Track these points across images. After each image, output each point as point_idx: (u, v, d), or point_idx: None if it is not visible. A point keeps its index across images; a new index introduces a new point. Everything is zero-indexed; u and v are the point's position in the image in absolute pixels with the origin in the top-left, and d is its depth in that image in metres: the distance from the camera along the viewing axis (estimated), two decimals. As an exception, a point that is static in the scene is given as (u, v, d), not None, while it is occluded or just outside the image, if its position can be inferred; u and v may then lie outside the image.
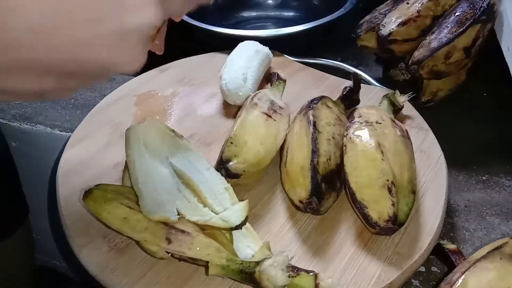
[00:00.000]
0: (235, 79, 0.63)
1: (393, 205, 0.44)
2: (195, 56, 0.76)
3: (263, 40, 0.71)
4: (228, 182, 0.48)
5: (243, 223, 0.42)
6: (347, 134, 0.50)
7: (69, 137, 0.60)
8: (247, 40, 0.72)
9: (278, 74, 0.63)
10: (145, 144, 0.49)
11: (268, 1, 0.99)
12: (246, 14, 0.97)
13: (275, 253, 0.41)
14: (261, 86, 0.67)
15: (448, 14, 0.63)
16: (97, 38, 0.25)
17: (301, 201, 0.47)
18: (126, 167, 0.49)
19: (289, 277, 0.39)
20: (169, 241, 0.41)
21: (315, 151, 0.48)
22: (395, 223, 0.44)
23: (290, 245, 0.46)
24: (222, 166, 0.49)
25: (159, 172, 0.47)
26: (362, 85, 0.63)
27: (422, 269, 0.47)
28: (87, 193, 0.44)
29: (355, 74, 0.63)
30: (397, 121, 0.52)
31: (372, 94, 0.66)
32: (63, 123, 0.72)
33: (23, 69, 0.25)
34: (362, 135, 0.48)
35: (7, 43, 0.23)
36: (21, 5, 0.23)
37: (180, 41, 0.72)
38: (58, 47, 0.24)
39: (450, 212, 0.53)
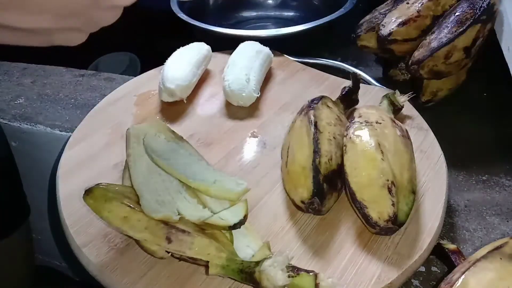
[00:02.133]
0: (238, 79, 0.63)
1: (393, 205, 0.44)
2: (195, 56, 0.76)
3: (263, 40, 0.71)
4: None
5: (241, 222, 0.42)
6: (347, 134, 0.50)
7: (69, 137, 0.60)
8: (247, 40, 0.72)
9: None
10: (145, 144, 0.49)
11: (268, 1, 0.99)
12: (246, 14, 0.98)
13: (275, 253, 0.41)
14: (262, 87, 0.67)
15: (448, 14, 0.63)
16: None
17: (302, 201, 0.47)
18: (126, 167, 0.49)
19: (289, 277, 0.39)
20: (169, 240, 0.41)
21: (316, 151, 0.48)
22: (395, 223, 0.44)
23: (290, 245, 0.46)
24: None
25: (159, 172, 0.47)
26: (362, 85, 0.63)
27: (422, 269, 0.47)
28: (88, 192, 0.44)
29: (354, 74, 0.63)
30: (397, 121, 0.52)
31: (372, 94, 0.66)
32: (63, 123, 0.72)
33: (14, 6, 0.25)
34: (362, 135, 0.48)
35: None
36: None
37: (180, 41, 0.72)
38: None
39: (450, 212, 0.53)
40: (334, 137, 0.50)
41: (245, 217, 0.43)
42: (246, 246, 0.44)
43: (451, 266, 0.44)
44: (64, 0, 0.27)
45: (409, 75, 0.69)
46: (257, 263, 0.40)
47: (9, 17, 0.27)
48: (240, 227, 0.42)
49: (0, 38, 0.29)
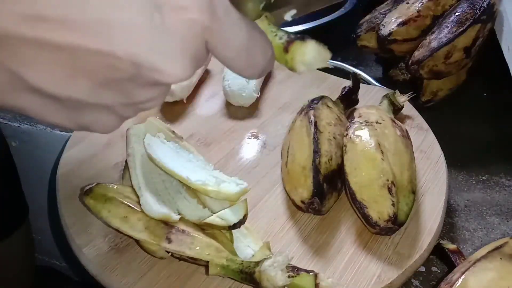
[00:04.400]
0: (238, 79, 0.63)
1: (393, 205, 0.44)
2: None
3: (263, 40, 0.71)
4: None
5: (241, 222, 0.42)
6: (347, 134, 0.50)
7: (69, 137, 0.60)
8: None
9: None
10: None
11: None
12: (246, 14, 0.97)
13: (275, 253, 0.41)
14: (262, 87, 0.67)
15: (448, 14, 0.63)
16: (125, 22, 0.21)
17: (303, 201, 0.47)
18: (126, 167, 0.49)
19: (289, 277, 0.39)
20: (169, 240, 0.41)
21: (316, 151, 0.48)
22: (395, 223, 0.44)
23: (290, 245, 0.46)
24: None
25: (159, 172, 0.47)
26: (362, 85, 0.63)
27: (422, 269, 0.47)
28: (88, 192, 0.44)
29: (354, 74, 0.63)
30: (397, 121, 0.52)
31: (372, 94, 0.66)
32: (63, 123, 0.72)
33: (50, 58, 0.21)
34: (362, 135, 0.48)
35: (34, 17, 0.20)
36: None
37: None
38: (90, 31, 0.20)
39: (450, 212, 0.53)
40: (334, 137, 0.50)
41: (245, 217, 0.43)
42: (246, 246, 0.44)
43: (451, 266, 0.44)
44: (104, 59, 0.21)
45: (409, 75, 0.69)
46: (257, 263, 0.40)
47: (36, 70, 0.21)
48: (240, 227, 0.42)
49: (22, 103, 0.23)
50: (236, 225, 0.42)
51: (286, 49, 0.27)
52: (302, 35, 0.27)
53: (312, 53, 0.27)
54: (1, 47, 0.20)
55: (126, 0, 0.21)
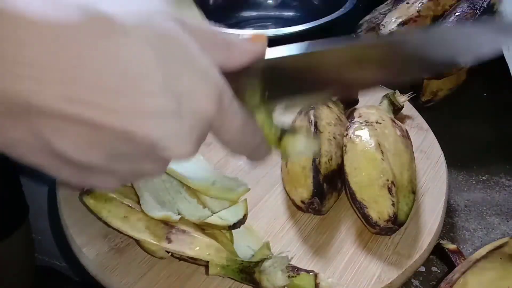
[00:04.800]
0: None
1: (393, 205, 0.44)
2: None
3: (263, 40, 0.71)
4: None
5: (241, 222, 0.42)
6: (347, 134, 0.50)
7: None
8: (247, 40, 0.72)
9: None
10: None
11: (268, 1, 0.99)
12: (246, 14, 0.97)
13: (275, 253, 0.41)
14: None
15: (448, 14, 0.63)
16: (154, 108, 0.24)
17: (303, 201, 0.47)
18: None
19: (289, 277, 0.39)
20: (169, 240, 0.41)
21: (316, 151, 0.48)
22: (395, 223, 0.44)
23: (290, 245, 0.46)
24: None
25: (159, 172, 0.47)
26: (362, 85, 0.63)
27: (422, 269, 0.47)
28: (88, 192, 0.44)
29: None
30: (397, 121, 0.52)
31: (372, 94, 0.66)
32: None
33: (75, 130, 0.23)
34: (362, 135, 0.48)
35: (75, 98, 0.22)
36: (89, 60, 0.22)
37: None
38: (118, 110, 0.23)
39: (450, 212, 0.53)
40: (334, 137, 0.50)
41: (245, 216, 0.43)
42: (246, 246, 0.44)
43: (451, 266, 0.44)
44: (124, 137, 0.24)
45: (409, 75, 0.69)
46: (257, 263, 0.40)
47: (67, 138, 0.24)
48: (240, 227, 0.42)
49: (41, 162, 0.25)
50: (236, 225, 0.42)
51: (279, 140, 0.32)
52: (294, 128, 0.33)
53: (301, 145, 0.33)
54: (43, 119, 0.23)
55: (157, 89, 0.24)
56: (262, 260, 0.39)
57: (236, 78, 0.29)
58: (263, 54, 0.31)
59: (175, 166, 0.46)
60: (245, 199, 0.44)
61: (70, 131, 0.23)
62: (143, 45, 0.23)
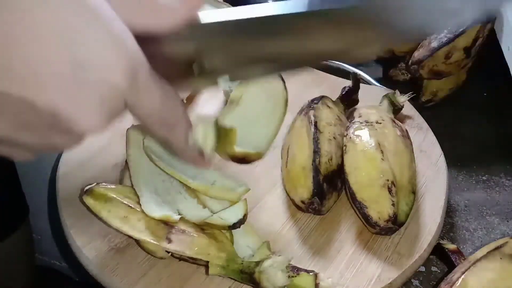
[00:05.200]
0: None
1: (393, 205, 0.44)
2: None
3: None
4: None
5: (241, 222, 0.42)
6: (347, 134, 0.50)
7: (69, 137, 0.60)
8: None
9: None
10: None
11: (268, 1, 0.99)
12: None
13: (275, 253, 0.41)
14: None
15: (448, 14, 0.63)
16: (53, 80, 0.23)
17: (303, 201, 0.47)
18: (126, 167, 0.49)
19: (289, 277, 0.39)
20: (169, 240, 0.41)
21: (316, 151, 0.48)
22: (395, 223, 0.44)
23: (290, 245, 0.46)
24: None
25: (159, 172, 0.47)
26: (362, 85, 0.63)
27: (422, 269, 0.47)
28: (88, 192, 0.44)
29: (354, 74, 0.63)
30: (397, 121, 0.52)
31: (372, 94, 0.66)
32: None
33: None
34: (362, 135, 0.48)
35: None
36: None
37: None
38: (13, 79, 0.22)
39: (450, 212, 0.53)
40: (334, 137, 0.50)
41: (245, 216, 0.43)
42: (246, 246, 0.44)
43: (451, 266, 0.44)
44: (25, 106, 0.23)
45: (409, 75, 0.69)
46: (257, 263, 0.40)
47: None
48: (240, 227, 0.42)
49: None
50: (236, 225, 0.42)
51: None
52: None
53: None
54: None
55: (53, 55, 0.22)
56: (262, 260, 0.39)
57: (167, 44, 0.26)
58: (196, 16, 0.27)
59: (176, 166, 0.46)
60: (245, 199, 0.44)
61: None
62: (42, 8, 0.22)
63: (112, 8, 0.24)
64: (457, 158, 0.59)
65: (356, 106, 0.60)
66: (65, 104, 0.24)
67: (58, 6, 0.22)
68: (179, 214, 0.43)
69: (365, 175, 0.46)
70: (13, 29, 0.21)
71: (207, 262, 0.41)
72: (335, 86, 0.67)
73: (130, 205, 0.43)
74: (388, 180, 0.45)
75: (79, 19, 0.23)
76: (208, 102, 0.67)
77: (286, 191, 0.50)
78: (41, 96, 0.23)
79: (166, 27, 0.26)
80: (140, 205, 0.42)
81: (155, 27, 0.26)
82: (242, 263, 0.40)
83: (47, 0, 0.22)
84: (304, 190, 0.47)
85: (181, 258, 0.43)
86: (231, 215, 0.42)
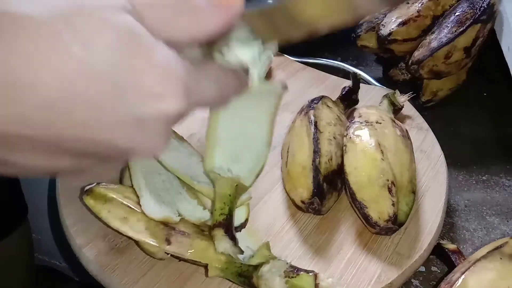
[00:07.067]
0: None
1: (393, 205, 0.44)
2: (195, 56, 0.76)
3: (263, 40, 0.71)
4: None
5: (242, 225, 0.42)
6: (347, 134, 0.49)
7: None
8: (247, 40, 0.72)
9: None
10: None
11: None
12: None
13: (275, 254, 0.41)
14: (261, 86, 0.67)
15: (448, 14, 0.63)
16: (113, 122, 0.22)
17: (303, 201, 0.47)
18: (126, 167, 0.49)
19: (286, 282, 0.39)
20: (168, 242, 0.41)
21: (316, 151, 0.48)
22: (395, 223, 0.44)
23: (290, 245, 0.46)
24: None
25: (159, 173, 0.47)
26: (362, 85, 0.63)
27: (422, 269, 0.47)
28: (88, 191, 0.44)
29: (354, 74, 0.63)
30: (397, 121, 0.52)
31: (372, 94, 0.66)
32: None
33: (36, 146, 0.22)
34: (362, 135, 0.48)
35: (21, 119, 0.21)
36: (40, 81, 0.20)
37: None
38: (75, 127, 0.22)
39: (450, 212, 0.53)
40: (334, 137, 0.50)
41: (246, 220, 0.43)
42: (245, 247, 0.44)
43: (451, 266, 0.44)
44: (86, 144, 0.23)
45: (409, 75, 0.69)
46: (256, 267, 0.39)
47: (23, 156, 0.23)
48: (240, 231, 0.42)
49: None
50: (237, 229, 0.42)
51: None
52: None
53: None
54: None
55: (110, 103, 0.22)
56: (261, 265, 0.39)
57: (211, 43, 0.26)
58: (239, 15, 0.26)
59: (179, 166, 0.46)
60: (248, 203, 0.44)
61: (26, 148, 0.22)
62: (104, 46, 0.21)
63: (148, 25, 0.23)
64: (457, 158, 0.59)
65: (356, 106, 0.60)
66: (129, 144, 0.23)
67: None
68: (179, 215, 0.43)
69: (365, 175, 0.46)
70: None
71: (207, 263, 0.41)
72: (335, 86, 0.67)
73: (130, 206, 0.43)
74: (388, 180, 0.45)
75: (127, 62, 0.22)
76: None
77: (286, 191, 0.50)
78: (114, 138, 0.23)
79: (208, 32, 0.25)
80: (140, 205, 0.42)
81: (199, 33, 0.25)
82: (240, 266, 0.40)
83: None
84: (304, 190, 0.47)
85: (181, 258, 0.43)
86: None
